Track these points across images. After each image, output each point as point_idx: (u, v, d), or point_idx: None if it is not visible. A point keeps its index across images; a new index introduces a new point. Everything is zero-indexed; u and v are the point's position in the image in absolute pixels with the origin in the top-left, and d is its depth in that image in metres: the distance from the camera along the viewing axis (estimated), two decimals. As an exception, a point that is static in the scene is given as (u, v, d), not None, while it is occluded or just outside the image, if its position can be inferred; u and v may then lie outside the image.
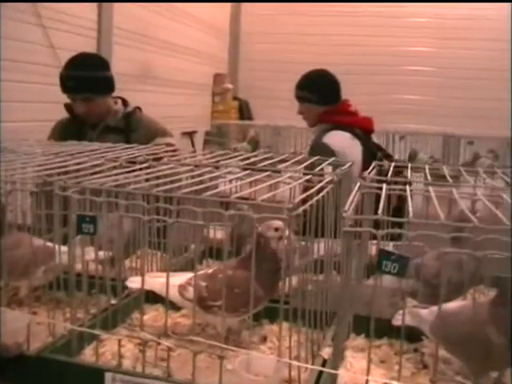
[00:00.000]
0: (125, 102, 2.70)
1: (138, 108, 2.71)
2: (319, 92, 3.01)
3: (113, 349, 1.18)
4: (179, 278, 1.26)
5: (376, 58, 7.28)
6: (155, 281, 1.25)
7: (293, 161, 1.60)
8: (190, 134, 6.57)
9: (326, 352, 1.18)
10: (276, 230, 1.24)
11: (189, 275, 1.26)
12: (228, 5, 7.64)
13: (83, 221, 1.04)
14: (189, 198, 1.10)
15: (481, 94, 6.78)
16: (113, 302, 1.30)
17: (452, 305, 1.15)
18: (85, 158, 1.43)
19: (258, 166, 1.49)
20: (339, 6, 7.43)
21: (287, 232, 1.17)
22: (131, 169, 1.34)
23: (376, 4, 7.31)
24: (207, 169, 1.41)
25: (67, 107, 2.59)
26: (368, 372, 1.04)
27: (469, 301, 1.19)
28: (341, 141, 2.81)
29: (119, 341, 1.09)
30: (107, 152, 1.59)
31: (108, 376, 1.01)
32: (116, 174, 1.23)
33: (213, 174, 1.35)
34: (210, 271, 1.26)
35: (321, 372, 1.04)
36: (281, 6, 7.53)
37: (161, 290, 1.23)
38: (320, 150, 2.53)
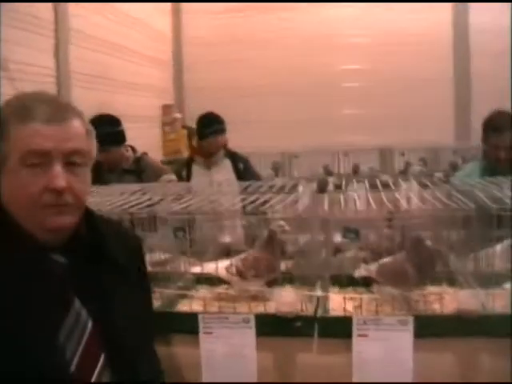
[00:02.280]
0: (133, 149, 3.66)
1: (145, 153, 3.68)
2: None
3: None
4: (223, 263, 2.23)
5: (314, 77, 8.40)
6: (209, 266, 2.22)
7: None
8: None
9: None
10: (280, 226, 2.23)
11: (227, 261, 2.24)
12: (169, 36, 8.63)
13: (177, 230, 2.00)
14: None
15: (412, 104, 7.96)
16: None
17: (386, 259, 2.17)
18: (147, 195, 2.38)
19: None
20: (275, 31, 8.51)
21: (287, 227, 2.16)
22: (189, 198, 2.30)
23: (312, 27, 8.44)
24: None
25: None
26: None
27: (394, 256, 2.21)
28: None
29: (204, 299, 2.06)
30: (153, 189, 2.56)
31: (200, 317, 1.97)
32: (186, 201, 2.19)
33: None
34: (243, 256, 2.24)
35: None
36: (221, 34, 8.56)
37: (214, 270, 2.20)
38: None
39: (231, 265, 2.20)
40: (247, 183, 2.58)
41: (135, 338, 1.43)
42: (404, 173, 4.96)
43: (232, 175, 4.20)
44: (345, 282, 2.29)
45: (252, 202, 2.20)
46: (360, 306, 2.05)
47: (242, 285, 2.18)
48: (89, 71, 6.42)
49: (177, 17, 8.78)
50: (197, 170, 4.26)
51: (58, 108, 1.33)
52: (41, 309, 1.27)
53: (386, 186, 2.75)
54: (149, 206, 2.18)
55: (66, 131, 1.30)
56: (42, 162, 1.27)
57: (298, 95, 8.34)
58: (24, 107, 1.30)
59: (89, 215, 1.45)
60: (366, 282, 2.23)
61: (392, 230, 2.38)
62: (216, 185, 2.94)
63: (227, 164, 4.33)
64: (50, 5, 5.80)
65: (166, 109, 8.30)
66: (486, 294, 1.94)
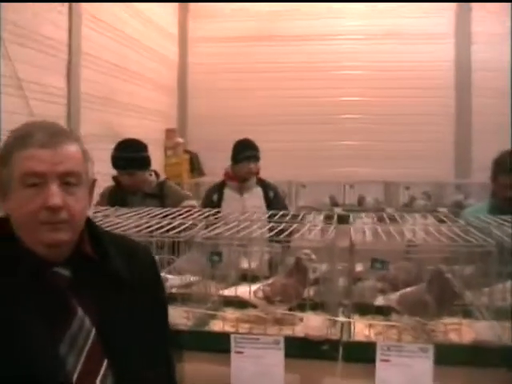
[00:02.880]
0: (157, 174, 3.83)
1: (167, 178, 3.84)
2: None
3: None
4: (252, 288, 2.38)
5: (314, 108, 8.65)
6: (241, 290, 2.37)
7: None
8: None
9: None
10: (306, 254, 2.38)
11: (256, 286, 2.38)
12: (175, 64, 8.88)
13: (213, 255, 2.15)
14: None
15: (414, 138, 8.22)
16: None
17: (406, 289, 2.32)
18: (179, 219, 2.54)
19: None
20: (277, 62, 8.78)
21: (313, 256, 2.32)
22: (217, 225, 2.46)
23: (314, 59, 8.71)
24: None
25: (114, 179, 3.71)
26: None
27: (415, 287, 2.36)
28: None
29: (237, 318, 2.20)
30: (181, 214, 2.71)
31: (232, 337, 2.11)
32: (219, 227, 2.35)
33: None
34: (270, 281, 2.38)
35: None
36: (224, 64, 8.82)
37: (243, 294, 2.35)
38: None
39: (259, 289, 2.35)
40: (274, 211, 2.74)
41: (139, 347, 1.54)
42: (408, 206, 5.14)
43: (263, 202, 4.39)
44: (365, 310, 2.43)
45: (279, 231, 2.36)
46: (381, 333, 2.21)
47: (269, 309, 2.33)
48: (98, 93, 6.61)
49: (183, 44, 9.03)
50: (229, 194, 4.43)
51: (53, 134, 1.47)
52: (45, 318, 1.39)
53: (391, 219, 2.93)
54: (183, 230, 2.33)
55: (59, 154, 1.44)
56: (39, 183, 1.42)
57: (298, 125, 8.60)
58: (23, 135, 1.46)
59: (92, 230, 1.58)
60: (386, 311, 2.38)
61: (409, 263, 2.55)
62: (249, 210, 3.11)
63: (259, 191, 4.50)
64: (64, 26, 6.00)
65: (169, 133, 8.50)
66: (502, 326, 2.10)
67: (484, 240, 2.16)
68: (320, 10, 8.77)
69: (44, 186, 1.42)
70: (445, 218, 2.73)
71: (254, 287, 2.38)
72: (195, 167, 8.73)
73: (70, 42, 6.11)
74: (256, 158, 4.52)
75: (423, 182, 5.83)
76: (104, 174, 3.56)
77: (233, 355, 2.11)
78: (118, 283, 1.54)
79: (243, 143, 4.61)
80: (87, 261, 1.52)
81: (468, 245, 2.15)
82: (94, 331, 1.45)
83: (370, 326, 2.18)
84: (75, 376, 1.39)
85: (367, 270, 2.38)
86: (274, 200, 4.44)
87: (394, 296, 2.34)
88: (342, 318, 2.21)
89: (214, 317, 2.40)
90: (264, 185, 4.56)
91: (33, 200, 1.41)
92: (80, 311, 1.45)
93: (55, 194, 1.42)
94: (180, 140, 8.57)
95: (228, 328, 2.27)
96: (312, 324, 2.08)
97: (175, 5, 8.85)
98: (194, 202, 3.68)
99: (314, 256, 2.35)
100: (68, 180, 1.45)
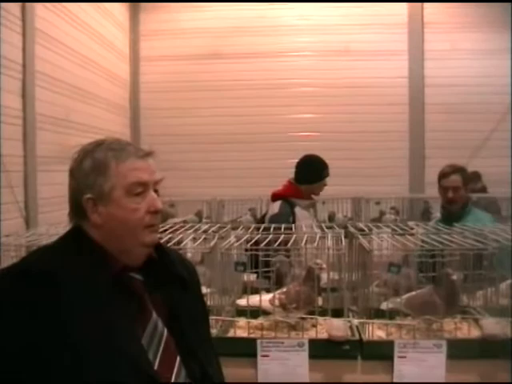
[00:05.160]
0: None
1: None
2: None
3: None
4: (266, 296, 2.62)
5: (270, 125, 8.94)
6: (254, 299, 2.60)
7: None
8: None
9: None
10: (317, 264, 2.64)
11: (270, 295, 2.62)
12: (127, 82, 9.05)
13: (237, 264, 2.38)
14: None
15: (370, 156, 8.63)
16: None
17: (411, 293, 2.61)
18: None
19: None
20: (229, 81, 9.02)
21: (324, 265, 2.59)
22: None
23: (267, 76, 9.00)
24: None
25: None
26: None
27: (420, 290, 2.64)
28: None
29: (261, 323, 2.43)
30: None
31: (258, 342, 2.34)
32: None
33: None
34: (285, 289, 2.63)
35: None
36: (176, 83, 9.02)
37: (257, 303, 2.58)
38: None
39: (274, 297, 2.59)
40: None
41: (202, 344, 1.77)
42: (377, 221, 5.46)
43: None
44: (372, 314, 2.70)
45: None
46: (392, 334, 2.49)
47: (285, 315, 2.57)
48: (53, 113, 6.71)
49: (135, 63, 9.21)
50: (301, 212, 4.49)
51: (136, 147, 1.69)
52: (127, 319, 1.57)
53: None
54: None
55: (152, 165, 1.67)
56: (142, 191, 1.63)
57: (254, 144, 8.86)
58: (117, 148, 1.65)
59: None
60: (391, 314, 2.66)
61: (410, 269, 2.84)
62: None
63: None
64: (19, 45, 6.08)
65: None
66: (506, 321, 2.41)
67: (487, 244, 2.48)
68: (271, 26, 9.05)
69: (146, 193, 1.64)
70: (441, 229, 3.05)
71: (269, 296, 2.62)
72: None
73: (24, 60, 6.17)
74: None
75: (390, 197, 6.22)
76: (61, 196, 3.63)
77: (259, 358, 2.34)
78: (182, 285, 1.77)
79: (321, 160, 4.68)
80: (155, 267, 1.73)
81: (479, 247, 2.46)
82: (165, 332, 1.66)
83: (388, 326, 2.45)
84: (155, 367, 1.59)
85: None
86: None
87: (400, 299, 2.62)
88: (358, 320, 2.48)
89: (231, 325, 2.62)
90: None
91: (139, 206, 1.62)
92: (154, 314, 1.66)
93: (157, 199, 1.65)
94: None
95: (245, 335, 2.51)
96: (337, 326, 2.34)
97: (126, 20, 9.04)
98: (177, 219, 3.89)
99: (324, 265, 2.61)
100: (156, 188, 1.67)
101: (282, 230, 3.04)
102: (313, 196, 4.64)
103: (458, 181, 3.97)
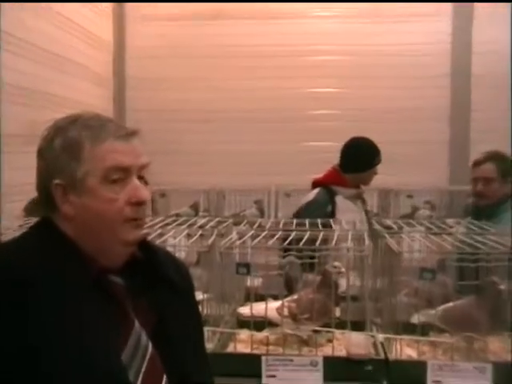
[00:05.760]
0: None
1: None
2: None
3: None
4: (273, 304, 2.61)
5: (279, 102, 8.84)
6: (259, 307, 2.60)
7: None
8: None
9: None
10: (335, 267, 2.63)
11: (277, 303, 2.61)
12: (111, 45, 8.98)
13: (239, 266, 2.38)
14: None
15: (410, 138, 8.50)
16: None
17: (449, 304, 2.60)
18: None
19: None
20: (232, 46, 8.87)
21: (343, 269, 2.58)
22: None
23: (277, 41, 8.88)
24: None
25: None
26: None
27: (460, 302, 2.63)
28: None
29: (267, 337, 2.43)
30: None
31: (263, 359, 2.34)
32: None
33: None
34: (295, 297, 2.62)
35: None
36: (170, 48, 8.92)
37: (263, 312, 2.58)
38: None
39: (283, 306, 2.59)
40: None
41: (193, 357, 1.77)
42: (409, 217, 5.43)
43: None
44: (400, 328, 2.69)
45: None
46: (425, 353, 2.48)
47: (296, 327, 2.57)
48: (22, 84, 6.69)
49: (120, 23, 9.10)
50: (345, 202, 4.52)
51: (119, 125, 1.67)
52: (106, 329, 1.56)
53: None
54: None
55: (136, 146, 1.65)
56: (122, 178, 1.60)
57: (259, 123, 8.72)
58: (94, 126, 1.63)
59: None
60: (425, 329, 2.66)
61: (446, 276, 2.83)
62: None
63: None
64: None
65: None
66: None
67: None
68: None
69: (127, 180, 1.61)
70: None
71: (276, 304, 2.61)
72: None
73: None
74: None
75: (427, 190, 6.20)
76: (32, 183, 3.55)
77: (265, 380, 2.34)
78: (172, 290, 1.76)
79: (373, 145, 4.83)
80: (139, 268, 1.72)
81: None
82: (150, 346, 1.66)
83: (419, 343, 2.44)
84: None
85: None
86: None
87: (435, 312, 2.61)
88: (383, 335, 2.47)
89: (231, 338, 2.62)
90: None
91: (118, 196, 1.60)
92: (137, 324, 1.66)
93: (141, 188, 1.62)
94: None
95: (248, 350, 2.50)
96: (357, 342, 2.33)
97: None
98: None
99: (343, 269, 2.60)
100: (141, 174, 1.65)
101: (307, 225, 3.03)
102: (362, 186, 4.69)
103: (492, 171, 3.96)
